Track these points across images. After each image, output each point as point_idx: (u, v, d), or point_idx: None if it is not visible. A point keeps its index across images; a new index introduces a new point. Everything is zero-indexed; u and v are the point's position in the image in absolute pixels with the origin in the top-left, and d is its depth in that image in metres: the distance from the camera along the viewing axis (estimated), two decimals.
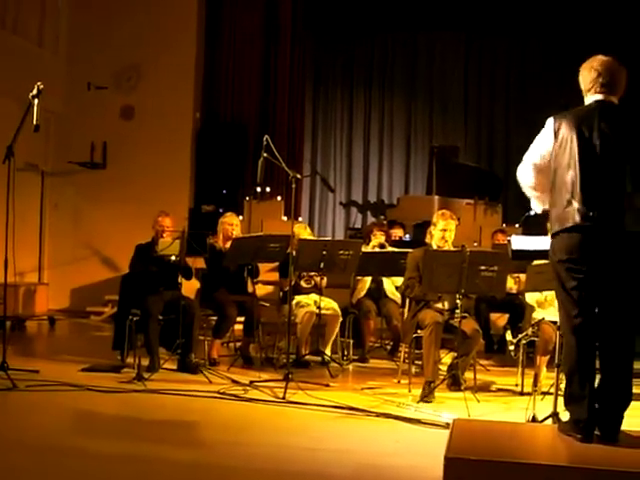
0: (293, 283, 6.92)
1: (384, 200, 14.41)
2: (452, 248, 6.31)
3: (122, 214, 11.14)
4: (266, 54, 12.64)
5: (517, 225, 10.67)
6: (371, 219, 13.73)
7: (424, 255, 6.05)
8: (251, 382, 6.20)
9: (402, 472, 4.20)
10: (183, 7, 11.64)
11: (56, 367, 6.73)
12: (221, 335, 7.30)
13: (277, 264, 7.61)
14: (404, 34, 14.48)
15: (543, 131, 4.02)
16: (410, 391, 6.10)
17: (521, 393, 6.17)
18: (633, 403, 3.87)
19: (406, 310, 6.62)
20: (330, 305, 7.32)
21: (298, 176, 6.58)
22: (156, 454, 4.35)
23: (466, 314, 6.12)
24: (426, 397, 5.79)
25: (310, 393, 5.89)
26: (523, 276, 6.70)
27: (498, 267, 5.77)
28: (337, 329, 7.31)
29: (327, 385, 6.32)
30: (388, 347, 8.08)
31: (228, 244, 7.21)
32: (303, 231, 7.56)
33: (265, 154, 6.39)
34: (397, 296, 7.69)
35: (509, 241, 5.24)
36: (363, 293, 7.81)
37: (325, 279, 7.33)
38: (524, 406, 5.15)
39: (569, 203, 3.83)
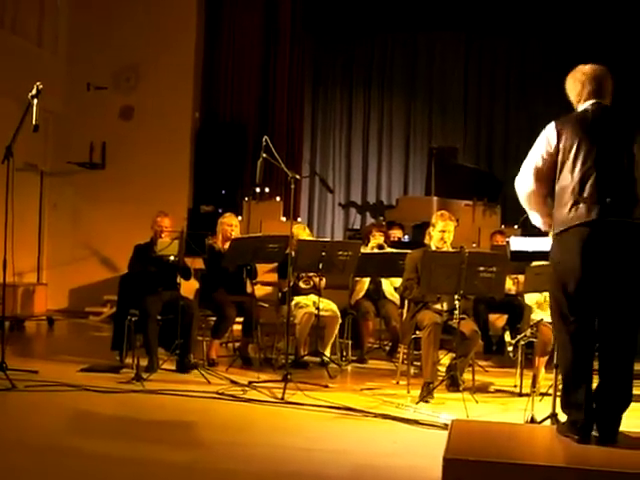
0: (292, 284, 6.92)
1: (383, 201, 14.42)
2: (451, 249, 6.31)
3: (121, 214, 11.15)
4: (265, 54, 12.64)
5: (516, 226, 10.66)
6: (370, 220, 13.73)
7: (423, 256, 6.05)
8: (250, 383, 6.20)
9: (400, 473, 4.20)
10: (183, 7, 11.64)
11: (55, 367, 6.73)
12: (220, 335, 7.30)
13: (276, 265, 7.61)
14: (404, 34, 14.50)
15: (543, 135, 3.99)
16: (409, 392, 6.11)
17: (519, 394, 6.17)
18: (633, 404, 3.87)
19: (405, 311, 6.62)
20: (329, 307, 7.32)
21: (297, 177, 6.59)
22: (154, 454, 4.35)
23: (465, 315, 6.12)
24: (425, 398, 5.80)
25: (309, 394, 5.89)
26: (522, 277, 6.70)
27: (497, 268, 5.78)
28: (336, 331, 7.31)
29: (326, 386, 6.32)
30: (387, 348, 8.08)
31: (227, 245, 7.21)
32: (302, 232, 7.56)
33: (264, 154, 6.40)
34: (396, 297, 7.69)
35: (508, 242, 5.26)
36: (362, 294, 7.81)
37: (324, 280, 7.33)
38: (522, 407, 5.15)
39: (576, 202, 3.79)
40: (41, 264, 11.50)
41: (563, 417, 4.03)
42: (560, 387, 4.11)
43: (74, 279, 11.43)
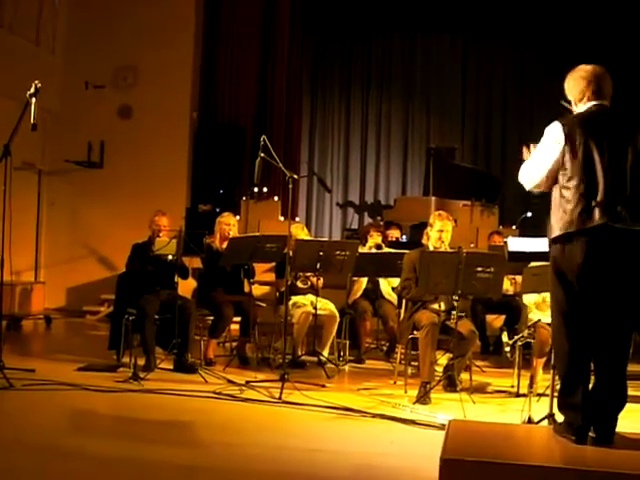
0: (289, 283, 6.92)
1: (381, 201, 14.43)
2: (449, 249, 6.31)
3: (119, 213, 11.14)
4: (264, 55, 12.64)
5: (514, 227, 10.68)
6: (368, 220, 13.73)
7: (421, 256, 6.05)
8: (247, 382, 6.20)
9: (397, 473, 4.21)
10: (181, 7, 11.62)
11: (52, 366, 6.72)
12: (217, 335, 7.30)
13: (274, 264, 7.61)
14: (402, 35, 14.52)
15: (551, 135, 3.93)
16: (406, 392, 6.11)
17: (517, 394, 6.17)
18: (628, 405, 3.88)
19: (402, 311, 6.63)
20: (327, 306, 7.32)
21: (295, 176, 6.58)
22: (151, 454, 4.35)
23: (462, 314, 6.12)
24: (422, 398, 5.80)
25: (306, 393, 5.89)
26: (519, 278, 6.70)
27: (494, 268, 5.78)
28: (334, 330, 7.31)
29: (323, 386, 6.32)
30: (384, 348, 8.08)
31: (225, 244, 7.21)
32: (301, 231, 7.56)
33: (262, 154, 6.39)
34: (393, 297, 7.69)
35: (505, 243, 5.26)
36: (359, 294, 7.80)
37: (321, 279, 7.33)
38: (520, 407, 5.16)
39: (585, 206, 3.77)
40: (39, 263, 11.48)
41: (560, 418, 4.03)
42: (557, 388, 4.11)
43: (72, 278, 11.41)
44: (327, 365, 7.04)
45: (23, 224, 10.39)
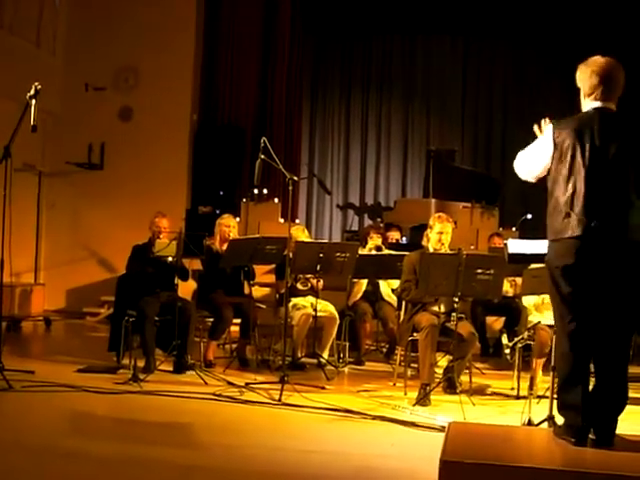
0: (289, 285, 6.92)
1: (381, 203, 14.42)
2: (449, 251, 6.32)
3: (119, 215, 11.14)
4: (264, 56, 12.65)
5: (514, 229, 10.68)
6: (368, 222, 13.72)
7: (421, 258, 6.05)
8: (247, 384, 6.20)
9: (397, 475, 4.21)
10: (182, 8, 11.63)
11: (52, 368, 6.72)
12: (217, 337, 7.30)
13: (274, 266, 7.61)
14: (402, 37, 14.53)
15: (544, 137, 3.98)
16: (406, 394, 6.11)
17: (517, 397, 6.16)
18: (628, 407, 3.88)
19: (402, 313, 6.63)
20: (327, 308, 7.32)
21: (295, 178, 6.58)
22: (151, 455, 4.35)
23: (462, 316, 6.12)
24: (422, 400, 5.80)
25: (306, 395, 5.89)
26: (519, 279, 6.71)
27: (494, 270, 5.78)
28: (334, 332, 7.31)
29: (323, 387, 6.32)
30: (384, 350, 8.08)
31: (225, 246, 7.21)
32: (301, 233, 7.56)
33: (262, 156, 6.40)
34: (393, 299, 7.69)
35: (505, 244, 5.26)
36: (359, 296, 7.80)
37: (321, 281, 7.33)
38: (520, 410, 5.14)
39: (567, 215, 3.80)
40: (39, 265, 11.48)
41: (560, 420, 4.03)
42: (557, 390, 4.11)
43: (72, 280, 11.42)
44: (327, 367, 7.04)
45: (23, 226, 10.39)
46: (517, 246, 5.22)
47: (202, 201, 11.58)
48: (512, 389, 6.42)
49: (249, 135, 12.04)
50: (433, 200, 11.89)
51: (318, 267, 6.75)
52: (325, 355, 7.25)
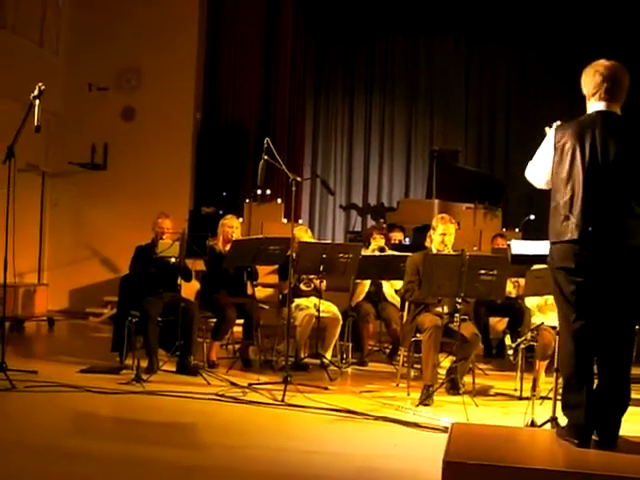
0: (293, 286, 6.92)
1: (384, 203, 14.41)
2: (452, 252, 6.31)
3: (122, 215, 11.15)
4: (267, 57, 12.66)
5: (517, 230, 10.67)
6: (371, 222, 13.73)
7: (424, 259, 6.05)
8: (250, 385, 6.20)
9: (400, 475, 4.20)
10: (184, 8, 11.64)
11: (55, 368, 6.72)
12: (220, 337, 7.30)
13: (277, 267, 7.61)
14: (405, 37, 14.52)
15: (545, 142, 3.99)
16: (409, 395, 6.10)
17: (520, 398, 6.16)
18: (632, 409, 3.87)
19: (405, 314, 6.62)
20: (330, 309, 7.31)
21: (298, 179, 6.59)
22: (154, 456, 4.35)
23: (465, 317, 6.11)
24: (425, 401, 5.79)
25: (309, 396, 5.90)
26: (522, 280, 6.70)
27: (497, 271, 5.77)
28: (337, 333, 7.30)
29: (326, 388, 6.32)
30: (387, 350, 8.08)
31: (228, 246, 7.21)
32: (304, 234, 7.55)
33: (266, 156, 6.39)
34: (396, 299, 7.69)
35: (509, 245, 5.25)
36: (362, 296, 7.80)
37: (324, 282, 7.32)
38: (523, 410, 5.14)
39: (566, 218, 3.80)
40: (42, 265, 11.49)
41: (563, 421, 4.03)
42: (560, 390, 4.10)
43: (75, 280, 11.43)
44: (330, 367, 7.04)
45: (26, 226, 10.42)
46: (520, 247, 5.20)
47: (205, 202, 11.59)
48: (515, 390, 6.42)
49: (252, 136, 12.05)
50: (436, 201, 11.89)
51: (321, 268, 6.76)
52: (328, 356, 7.25)
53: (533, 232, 9.46)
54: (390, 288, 7.83)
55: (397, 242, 9.32)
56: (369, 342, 7.98)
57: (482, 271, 5.75)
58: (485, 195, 11.82)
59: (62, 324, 10.30)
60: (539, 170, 4.07)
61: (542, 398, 5.70)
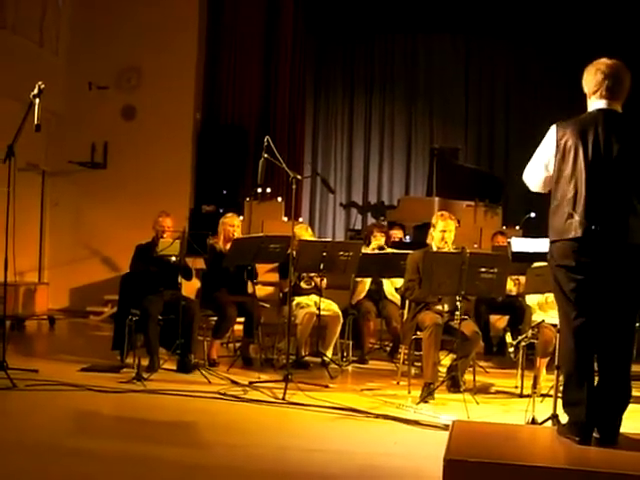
0: (293, 284, 6.92)
1: (384, 201, 14.42)
2: (452, 249, 6.31)
3: (122, 214, 11.15)
4: (267, 56, 12.65)
5: (517, 227, 10.67)
6: (371, 220, 13.73)
7: (424, 257, 6.05)
8: (250, 383, 6.21)
9: (401, 473, 4.21)
10: (184, 8, 11.64)
11: (55, 367, 6.73)
12: (221, 336, 7.30)
13: (277, 265, 7.61)
14: (404, 37, 14.52)
15: (545, 139, 3.97)
16: (409, 392, 6.10)
17: (520, 395, 6.17)
18: (632, 406, 3.87)
19: (406, 312, 6.62)
20: (330, 307, 7.31)
21: (298, 177, 6.58)
22: (155, 454, 4.35)
23: (466, 316, 6.11)
24: (425, 398, 5.80)
25: (309, 394, 5.90)
26: (523, 278, 6.70)
27: (498, 269, 5.77)
28: (338, 331, 7.30)
29: (326, 386, 6.32)
30: (388, 348, 8.08)
31: (228, 245, 7.21)
32: (305, 232, 7.56)
33: (266, 155, 6.39)
34: (397, 297, 7.69)
35: (509, 243, 5.25)
36: (363, 295, 7.80)
37: (325, 280, 7.32)
38: (523, 408, 5.14)
39: (570, 216, 3.79)
40: (42, 264, 11.49)
41: (564, 418, 4.03)
42: (561, 388, 4.10)
43: (75, 279, 11.43)
44: (330, 366, 7.04)
45: (27, 225, 10.42)
46: (521, 245, 5.20)
47: (205, 200, 11.59)
48: (516, 388, 6.42)
49: (252, 134, 12.05)
50: (436, 199, 11.89)
51: (321, 266, 6.75)
52: (329, 354, 7.25)
53: (533, 230, 9.45)
54: (390, 286, 7.83)
55: (397, 240, 9.32)
56: (370, 340, 7.98)
57: (482, 269, 5.75)
58: (485, 193, 11.82)
59: (63, 323, 10.31)
60: (535, 171, 4.05)
61: (543, 396, 5.71)
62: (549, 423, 4.69)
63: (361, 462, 4.38)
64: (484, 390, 6.42)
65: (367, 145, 14.67)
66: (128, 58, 11.56)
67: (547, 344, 5.88)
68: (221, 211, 10.35)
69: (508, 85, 14.32)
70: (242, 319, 7.28)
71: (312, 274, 7.30)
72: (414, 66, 14.57)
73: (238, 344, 7.66)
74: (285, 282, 7.03)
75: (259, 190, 11.32)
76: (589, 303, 3.81)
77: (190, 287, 7.42)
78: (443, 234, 6.38)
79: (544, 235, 4.22)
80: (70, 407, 5.52)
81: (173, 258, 6.81)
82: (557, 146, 3.89)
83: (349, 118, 14.76)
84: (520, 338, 6.31)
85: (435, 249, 6.38)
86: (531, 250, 5.10)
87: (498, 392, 6.46)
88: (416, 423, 5.16)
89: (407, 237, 10.90)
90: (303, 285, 7.45)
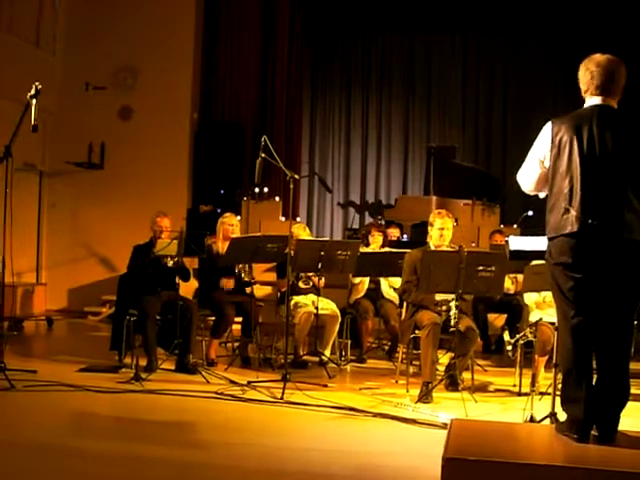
0: (291, 284, 6.91)
1: (382, 200, 14.43)
2: (450, 246, 6.31)
3: (120, 214, 11.15)
4: (264, 55, 12.66)
5: (515, 226, 10.68)
6: (369, 219, 13.74)
7: (422, 256, 6.04)
8: (249, 382, 6.20)
9: (400, 472, 4.21)
10: (181, 8, 11.63)
11: (54, 367, 6.72)
12: (219, 335, 7.30)
13: (275, 264, 7.61)
14: (401, 35, 14.54)
15: (541, 135, 3.98)
16: (408, 391, 6.10)
17: (519, 393, 6.17)
18: (630, 404, 3.87)
19: (404, 311, 6.62)
20: (328, 306, 7.31)
21: (296, 176, 6.58)
22: (153, 454, 4.35)
23: (464, 314, 6.11)
24: (424, 397, 5.80)
25: (308, 393, 5.90)
26: (520, 276, 6.70)
27: (496, 267, 5.77)
28: (336, 330, 7.31)
29: (325, 385, 6.32)
30: (386, 347, 8.08)
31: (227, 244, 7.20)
32: (302, 232, 7.56)
33: (263, 154, 6.39)
34: (394, 296, 7.69)
35: (507, 241, 5.25)
36: (362, 294, 7.80)
37: (323, 279, 7.32)
38: (522, 406, 5.16)
39: (567, 211, 3.80)
40: (40, 264, 11.50)
41: (562, 416, 4.03)
42: (559, 386, 4.11)
43: (73, 279, 11.43)
44: (329, 365, 7.04)
45: (24, 225, 10.41)
46: (518, 243, 5.21)
47: (203, 200, 11.59)
48: (514, 386, 6.42)
49: (249, 133, 12.06)
50: (434, 197, 11.90)
51: (319, 265, 6.75)
52: (327, 353, 7.25)
53: (531, 228, 9.48)
54: (387, 285, 7.83)
55: (395, 239, 9.32)
56: (368, 339, 7.98)
57: (480, 267, 5.75)
58: (483, 191, 11.82)
59: (61, 323, 10.29)
60: (530, 168, 4.05)
61: (541, 394, 5.71)
62: (547, 421, 4.70)
63: (359, 461, 4.39)
64: (482, 389, 6.42)
65: (364, 144, 14.68)
66: (125, 58, 11.55)
67: (545, 342, 5.88)
68: (219, 211, 10.36)
69: (505, 84, 14.32)
70: (240, 319, 7.28)
71: (310, 274, 7.30)
72: (411, 65, 14.58)
73: (236, 344, 7.66)
74: (283, 282, 7.02)
75: (256, 190, 11.33)
76: (587, 301, 3.81)
77: (188, 287, 7.41)
78: (441, 232, 6.38)
79: (542, 233, 4.22)
80: (69, 407, 5.51)
81: (170, 263, 6.80)
82: (552, 142, 3.89)
83: (346, 117, 14.78)
84: (518, 336, 6.30)
85: (433, 247, 6.38)
86: (529, 248, 5.10)
87: (496, 390, 6.47)
88: (414, 422, 5.16)
89: (405, 236, 10.91)
90: (301, 285, 7.45)
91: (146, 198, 10.69)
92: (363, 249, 7.60)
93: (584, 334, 3.82)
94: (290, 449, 4.58)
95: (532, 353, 6.30)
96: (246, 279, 7.27)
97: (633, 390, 3.89)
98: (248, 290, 7.30)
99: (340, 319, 7.31)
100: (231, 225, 7.46)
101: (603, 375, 3.81)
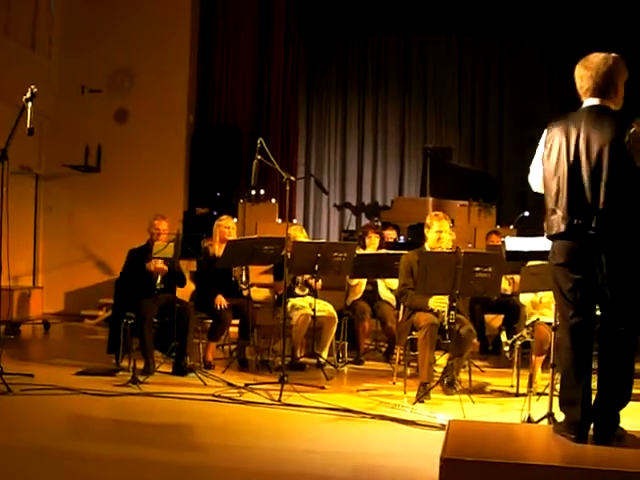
0: (288, 287, 6.91)
1: (378, 202, 14.42)
2: (448, 247, 6.30)
3: (116, 217, 11.14)
4: (260, 57, 12.66)
5: (511, 226, 10.69)
6: (365, 221, 13.72)
7: (419, 258, 6.04)
8: (246, 385, 6.20)
9: (398, 473, 4.21)
10: (177, 10, 11.64)
11: (51, 371, 6.72)
12: (216, 338, 7.29)
13: (272, 266, 7.60)
14: (397, 36, 14.53)
15: (541, 139, 4.01)
16: (405, 393, 6.10)
17: (516, 394, 6.18)
18: (630, 404, 3.86)
19: (401, 312, 6.62)
20: (325, 308, 7.31)
21: (292, 178, 6.58)
22: (151, 457, 4.35)
23: (460, 315, 6.11)
24: (421, 398, 5.80)
25: (305, 395, 5.90)
26: (517, 277, 6.71)
27: (492, 268, 5.77)
28: (333, 332, 7.31)
29: (322, 387, 6.32)
30: (383, 349, 8.08)
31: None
32: (299, 233, 7.55)
33: (259, 156, 6.39)
34: (391, 298, 7.69)
35: (503, 242, 5.26)
36: (359, 296, 7.80)
37: (320, 281, 7.31)
38: (519, 407, 5.16)
39: (553, 212, 3.83)
40: (37, 267, 11.48)
41: (560, 417, 4.03)
42: (557, 387, 4.11)
43: (70, 282, 11.41)
44: (326, 367, 7.04)
45: (20, 229, 10.38)
46: (515, 244, 5.22)
47: (199, 202, 11.59)
48: (511, 386, 6.43)
49: (245, 136, 12.05)
50: (430, 199, 11.90)
51: (316, 267, 6.75)
52: (324, 355, 7.25)
53: (527, 229, 9.48)
54: (384, 287, 7.83)
55: (391, 240, 9.32)
56: (365, 341, 7.97)
57: (477, 268, 5.75)
58: (479, 192, 11.82)
59: (57, 327, 10.28)
60: (535, 170, 4.08)
61: (539, 394, 5.71)
62: (545, 422, 4.70)
63: (357, 462, 4.39)
64: (480, 389, 6.43)
65: (361, 146, 14.67)
66: (120, 61, 11.55)
67: (542, 342, 5.88)
68: (215, 213, 10.35)
69: (502, 85, 14.32)
70: (237, 321, 7.28)
71: (307, 277, 7.29)
72: (407, 66, 14.57)
73: (234, 346, 7.65)
74: (280, 284, 7.02)
75: (253, 192, 11.32)
76: (586, 302, 3.82)
77: (185, 290, 7.41)
78: (439, 234, 6.36)
79: (538, 234, 4.24)
80: (66, 411, 5.50)
81: (165, 267, 6.80)
82: (545, 143, 3.92)
83: (342, 119, 14.77)
84: (515, 337, 6.32)
85: (429, 249, 6.37)
86: (525, 249, 5.11)
87: (494, 391, 6.47)
88: (412, 423, 5.16)
89: (401, 238, 10.91)
90: (298, 291, 7.43)
91: (143, 201, 10.68)
92: (360, 251, 7.60)
93: (583, 334, 3.83)
94: (288, 451, 4.58)
95: (529, 353, 6.31)
96: (243, 287, 7.26)
97: (633, 390, 3.88)
98: (245, 293, 7.29)
99: (337, 321, 7.31)
100: (227, 227, 7.46)
101: (604, 376, 3.80)
